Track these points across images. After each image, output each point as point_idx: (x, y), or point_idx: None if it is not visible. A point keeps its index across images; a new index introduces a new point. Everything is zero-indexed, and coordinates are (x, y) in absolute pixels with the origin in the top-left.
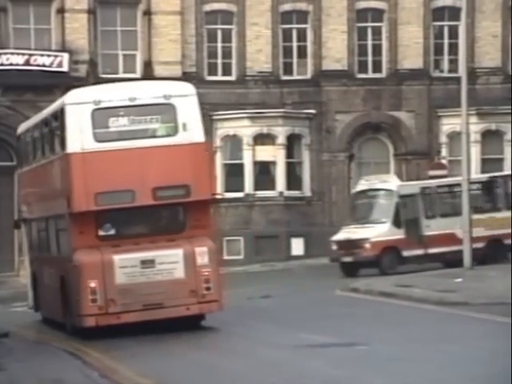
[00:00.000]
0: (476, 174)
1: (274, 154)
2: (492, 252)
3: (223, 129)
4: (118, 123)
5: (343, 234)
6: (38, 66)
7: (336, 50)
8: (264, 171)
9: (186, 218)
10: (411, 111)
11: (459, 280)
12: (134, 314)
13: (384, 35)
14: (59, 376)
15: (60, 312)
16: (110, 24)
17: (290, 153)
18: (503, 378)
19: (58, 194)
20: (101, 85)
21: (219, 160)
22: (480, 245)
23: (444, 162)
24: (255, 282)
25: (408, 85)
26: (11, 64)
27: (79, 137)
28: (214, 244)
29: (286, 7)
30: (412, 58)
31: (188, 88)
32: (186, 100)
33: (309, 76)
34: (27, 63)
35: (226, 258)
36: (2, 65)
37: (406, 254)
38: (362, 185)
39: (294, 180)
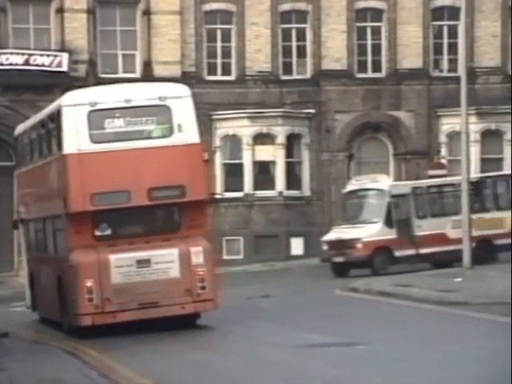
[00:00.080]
0: (473, 174)
1: (274, 153)
2: (482, 252)
3: (223, 128)
4: (114, 124)
5: (334, 234)
6: (37, 65)
7: (335, 50)
8: (263, 171)
9: (181, 218)
10: (411, 111)
11: (459, 280)
12: (130, 312)
13: (383, 35)
14: (58, 376)
15: (57, 311)
16: (110, 24)
17: (289, 152)
18: (503, 377)
19: (55, 194)
20: (97, 86)
21: (219, 160)
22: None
23: (443, 161)
24: (255, 282)
25: (407, 84)
26: (11, 64)
27: (75, 138)
28: (209, 244)
29: (286, 7)
30: (411, 57)
31: (183, 89)
32: (180, 101)
33: (308, 76)
34: (26, 63)
35: (225, 257)
36: (1, 64)
37: (397, 254)
38: (353, 185)
39: (293, 180)
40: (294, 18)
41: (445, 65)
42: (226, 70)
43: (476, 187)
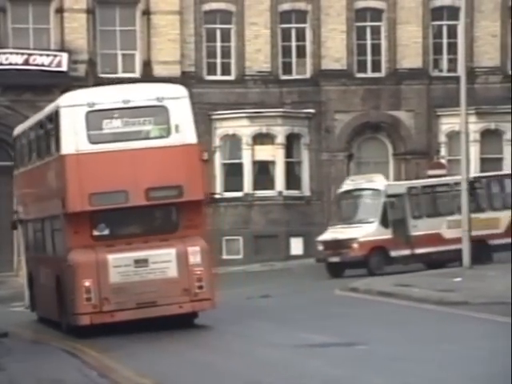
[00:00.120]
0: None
1: (273, 153)
2: (477, 252)
3: (222, 128)
4: (112, 125)
5: (329, 234)
6: (37, 65)
7: (335, 50)
8: (263, 171)
9: (178, 218)
10: (410, 111)
11: (458, 279)
12: (128, 312)
13: (383, 35)
14: (58, 376)
15: (56, 311)
16: (109, 24)
17: (289, 152)
18: (503, 377)
19: (53, 194)
20: (95, 87)
21: (218, 160)
22: None
23: (443, 161)
24: (254, 282)
25: (407, 84)
26: (10, 64)
27: (74, 138)
28: (206, 243)
29: (285, 7)
30: (411, 57)
31: (180, 90)
32: (178, 102)
33: (308, 75)
34: (26, 63)
35: (225, 257)
36: (1, 64)
37: (393, 254)
38: (348, 185)
39: (293, 180)
40: (293, 18)
41: (444, 65)
42: (226, 70)
43: (470, 187)
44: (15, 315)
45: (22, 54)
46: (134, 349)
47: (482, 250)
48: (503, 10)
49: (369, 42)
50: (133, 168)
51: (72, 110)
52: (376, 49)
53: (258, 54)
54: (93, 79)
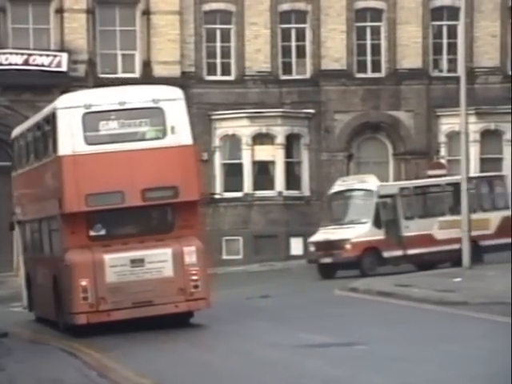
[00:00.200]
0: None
1: (273, 153)
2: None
3: (222, 128)
4: (108, 126)
5: (321, 235)
6: (36, 65)
7: (335, 50)
8: (263, 171)
9: (174, 218)
10: (410, 111)
11: (458, 280)
12: (124, 311)
13: (383, 35)
14: (58, 376)
15: (53, 310)
16: (109, 24)
17: (288, 152)
18: (503, 377)
19: (50, 195)
20: (91, 89)
21: (218, 160)
22: (456, 246)
23: (443, 161)
24: (254, 282)
25: (407, 84)
26: (10, 64)
27: (70, 140)
28: (201, 243)
29: (285, 7)
30: (411, 57)
31: (176, 92)
32: (174, 104)
33: (308, 76)
34: (26, 63)
35: (225, 257)
36: (0, 64)
37: (386, 255)
38: (339, 185)
39: (292, 180)
40: (293, 18)
41: (444, 65)
42: (226, 70)
43: (459, 188)
44: (15, 315)
45: (22, 54)
46: (131, 348)
47: (473, 251)
48: (503, 10)
49: (369, 42)
50: (129, 169)
51: (69, 111)
52: (376, 49)
53: (258, 54)
54: (92, 79)
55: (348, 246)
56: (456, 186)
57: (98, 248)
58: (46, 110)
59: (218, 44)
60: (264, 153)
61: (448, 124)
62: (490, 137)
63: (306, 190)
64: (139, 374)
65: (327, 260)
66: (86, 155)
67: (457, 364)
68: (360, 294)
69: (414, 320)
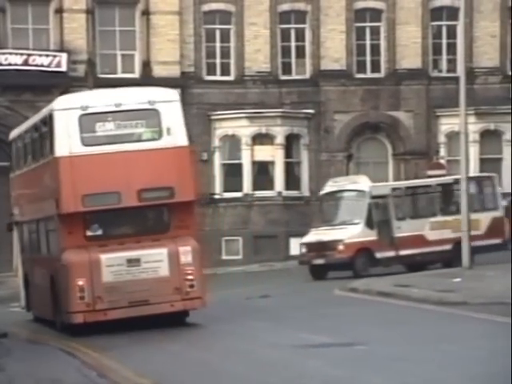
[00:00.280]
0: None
1: (273, 153)
2: (459, 254)
3: (222, 129)
4: (105, 128)
5: (313, 236)
6: (36, 65)
7: (334, 50)
8: (263, 171)
9: (170, 218)
10: (410, 111)
11: (458, 280)
12: (121, 310)
13: (382, 35)
14: (58, 376)
15: (50, 310)
16: (109, 24)
17: (288, 153)
18: (503, 377)
19: (48, 196)
20: (94, 88)
21: (218, 160)
22: (447, 247)
23: (442, 161)
24: (254, 282)
25: (406, 85)
26: (9, 64)
27: (67, 141)
28: (197, 243)
29: (285, 7)
30: (410, 57)
31: (172, 94)
32: (169, 105)
33: (307, 76)
34: (25, 63)
35: (224, 257)
36: (0, 65)
37: (378, 255)
38: (331, 186)
39: (292, 180)
40: (293, 19)
41: (444, 65)
42: (225, 70)
43: (450, 189)
44: (13, 315)
45: (22, 54)
46: (129, 348)
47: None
48: (502, 10)
49: (368, 43)
50: (125, 170)
51: (66, 113)
52: (375, 49)
53: (258, 55)
54: (92, 79)
55: (341, 247)
56: (447, 186)
57: (95, 248)
58: (43, 112)
59: (218, 44)
60: (264, 153)
61: (447, 124)
62: (489, 137)
63: (305, 191)
64: (138, 374)
65: (319, 261)
66: (83, 156)
67: (456, 364)
68: (360, 294)
69: (413, 320)
